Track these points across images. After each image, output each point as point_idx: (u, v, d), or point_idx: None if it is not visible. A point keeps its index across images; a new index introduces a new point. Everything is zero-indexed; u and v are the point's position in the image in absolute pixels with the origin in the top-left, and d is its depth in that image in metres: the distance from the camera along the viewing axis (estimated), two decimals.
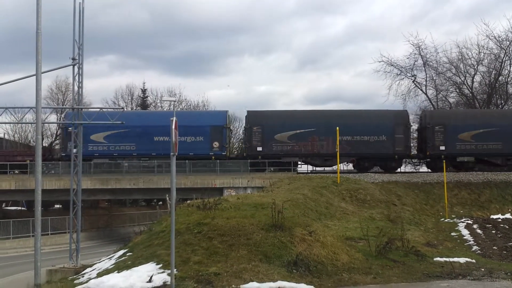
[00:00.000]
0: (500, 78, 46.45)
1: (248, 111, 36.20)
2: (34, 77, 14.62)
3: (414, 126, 39.88)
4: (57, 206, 47.00)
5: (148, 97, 61.94)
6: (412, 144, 36.73)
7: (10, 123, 25.34)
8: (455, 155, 34.67)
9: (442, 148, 34.44)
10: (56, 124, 47.90)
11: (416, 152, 36.86)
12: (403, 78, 48.03)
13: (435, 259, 15.94)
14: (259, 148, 34.81)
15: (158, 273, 12.43)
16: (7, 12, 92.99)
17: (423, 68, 47.58)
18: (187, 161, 33.58)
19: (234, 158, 36.10)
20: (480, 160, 35.60)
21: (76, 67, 19.97)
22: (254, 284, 11.84)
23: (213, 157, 34.46)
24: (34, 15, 14.32)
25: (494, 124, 34.64)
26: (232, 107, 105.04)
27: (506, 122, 34.98)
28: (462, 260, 16.15)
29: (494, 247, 19.94)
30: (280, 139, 34.83)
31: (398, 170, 36.44)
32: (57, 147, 45.25)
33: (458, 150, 34.47)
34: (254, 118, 35.77)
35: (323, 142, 34.78)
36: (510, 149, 34.41)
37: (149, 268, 12.77)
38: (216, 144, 34.79)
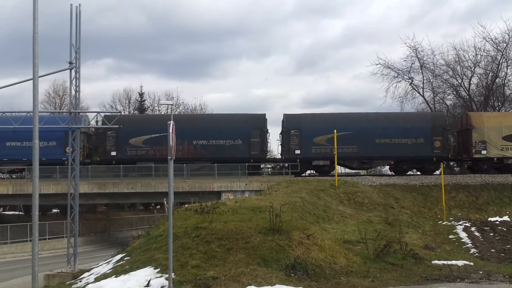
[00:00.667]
0: (497, 80, 46.46)
1: (104, 115, 35.26)
2: (31, 81, 14.58)
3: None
4: (54, 210, 46.84)
5: (146, 101, 62.01)
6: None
7: (7, 127, 25.25)
8: (311, 158, 34.18)
9: (298, 152, 34.01)
10: None
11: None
12: (400, 81, 48.08)
13: (433, 262, 15.95)
14: (113, 153, 34.17)
15: (156, 277, 12.43)
16: (6, 16, 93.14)
17: (420, 71, 47.63)
18: (184, 164, 33.43)
19: (89, 163, 34.75)
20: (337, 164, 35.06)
21: (73, 71, 19.94)
22: None
23: (65, 162, 33.54)
24: (32, 19, 14.30)
25: (349, 128, 33.81)
26: (228, 110, 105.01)
27: (361, 126, 34.36)
28: (460, 263, 16.17)
29: (492, 250, 19.91)
30: (135, 144, 34.23)
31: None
32: None
33: (314, 153, 33.96)
34: (109, 122, 35.25)
35: (178, 146, 33.42)
36: (365, 152, 34.01)
37: (147, 273, 12.78)
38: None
